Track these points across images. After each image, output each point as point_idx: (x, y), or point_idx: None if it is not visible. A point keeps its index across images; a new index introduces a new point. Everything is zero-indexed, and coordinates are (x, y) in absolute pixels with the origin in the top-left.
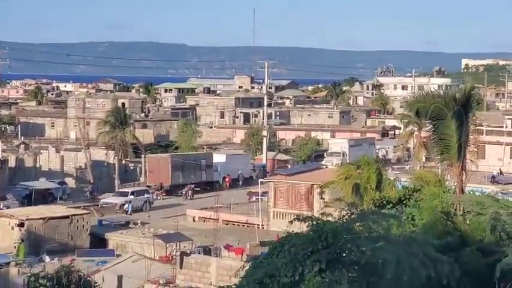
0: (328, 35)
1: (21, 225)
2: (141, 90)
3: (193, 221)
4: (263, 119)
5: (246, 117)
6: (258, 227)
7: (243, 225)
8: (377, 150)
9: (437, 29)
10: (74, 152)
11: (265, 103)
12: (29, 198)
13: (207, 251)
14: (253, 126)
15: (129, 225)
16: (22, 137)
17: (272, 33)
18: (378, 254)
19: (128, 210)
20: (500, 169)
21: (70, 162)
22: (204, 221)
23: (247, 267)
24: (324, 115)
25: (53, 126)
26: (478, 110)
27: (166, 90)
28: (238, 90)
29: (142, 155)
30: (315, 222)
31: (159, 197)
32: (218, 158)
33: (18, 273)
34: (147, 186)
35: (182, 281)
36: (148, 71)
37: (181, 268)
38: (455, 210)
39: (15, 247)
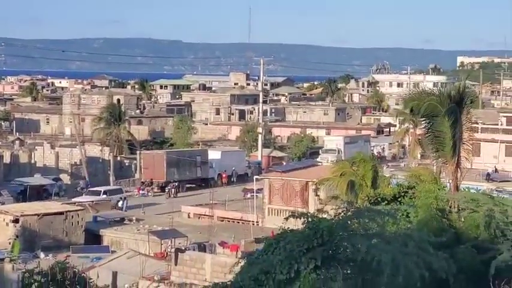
0: (324, 32)
1: (15, 221)
2: (136, 86)
3: (188, 217)
4: (258, 115)
5: (242, 114)
6: (253, 224)
7: (238, 222)
8: (372, 148)
9: (433, 26)
10: (69, 148)
11: (261, 100)
12: (24, 194)
13: (201, 247)
14: (249, 123)
15: (124, 222)
16: (17, 133)
17: (268, 30)
18: (374, 251)
19: (122, 207)
20: (495, 167)
21: (65, 158)
22: (199, 217)
23: (242, 263)
24: (319, 112)
25: (48, 122)
26: (473, 108)
27: (161, 87)
28: (234, 87)
29: (138, 152)
30: (310, 220)
31: (149, 193)
32: (213, 154)
33: (13, 269)
34: (142, 182)
35: (177, 277)
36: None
37: (176, 264)
38: (450, 207)
39: (10, 243)
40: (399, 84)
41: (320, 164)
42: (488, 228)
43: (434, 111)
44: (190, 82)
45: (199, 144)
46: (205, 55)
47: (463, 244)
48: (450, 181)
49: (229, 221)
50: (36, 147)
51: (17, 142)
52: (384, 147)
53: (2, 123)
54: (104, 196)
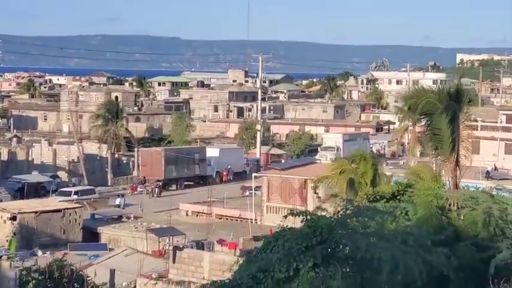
0: (323, 29)
1: (13, 218)
2: (134, 83)
3: (187, 215)
4: (257, 113)
5: (240, 111)
6: (252, 222)
7: (236, 220)
8: (371, 145)
9: (432, 24)
10: (67, 146)
11: (259, 97)
12: (22, 192)
13: (200, 245)
14: (247, 120)
15: (122, 219)
16: (14, 130)
17: (266, 27)
18: (373, 249)
19: (120, 205)
20: (494, 164)
21: (63, 155)
22: (197, 215)
23: (241, 261)
24: (318, 109)
25: (45, 119)
26: (472, 106)
27: (159, 84)
28: (232, 84)
29: (135, 149)
30: (309, 217)
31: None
32: (212, 152)
33: (10, 266)
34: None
35: (175, 275)
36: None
37: (174, 262)
38: (450, 205)
39: (7, 240)
40: (398, 82)
41: (319, 161)
42: (487, 226)
43: (432, 109)
44: (188, 79)
45: (197, 142)
46: (204, 52)
47: (463, 242)
48: (449, 179)
49: (227, 219)
50: (33, 145)
51: (15, 139)
52: (384, 145)
53: (0, 120)
54: (75, 197)
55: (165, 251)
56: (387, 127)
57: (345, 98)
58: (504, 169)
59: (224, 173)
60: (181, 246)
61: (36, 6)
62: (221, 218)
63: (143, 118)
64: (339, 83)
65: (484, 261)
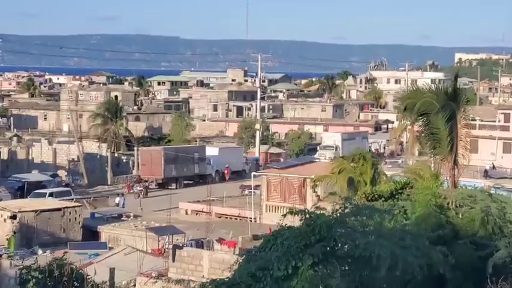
0: (322, 28)
1: (13, 217)
2: (134, 83)
3: (186, 214)
4: (256, 112)
5: (239, 111)
6: (251, 221)
7: (236, 219)
8: (370, 144)
9: (430, 23)
10: (67, 145)
11: (259, 96)
12: (22, 191)
13: (199, 244)
14: (246, 119)
15: (122, 218)
16: (15, 129)
17: (265, 26)
18: (372, 247)
19: (119, 204)
20: (493, 163)
21: (62, 154)
22: (197, 214)
23: (241, 260)
24: (317, 109)
25: (45, 118)
26: (470, 105)
27: (159, 83)
28: (232, 84)
29: (135, 148)
30: (308, 216)
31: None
32: (211, 151)
33: (11, 265)
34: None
35: (174, 274)
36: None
37: (173, 261)
38: (448, 204)
39: (7, 239)
40: (397, 81)
41: (318, 160)
42: (485, 224)
43: (430, 108)
44: (188, 78)
45: (196, 141)
46: (203, 51)
47: (461, 240)
48: (448, 178)
49: (227, 218)
50: (33, 144)
51: (15, 138)
52: (381, 144)
53: (0, 120)
54: (50, 198)
55: (164, 250)
56: (386, 126)
57: (344, 97)
58: (502, 168)
59: (226, 171)
60: (180, 245)
61: (35, 5)
62: (220, 217)
63: (143, 117)
64: (337, 82)
65: (482, 259)
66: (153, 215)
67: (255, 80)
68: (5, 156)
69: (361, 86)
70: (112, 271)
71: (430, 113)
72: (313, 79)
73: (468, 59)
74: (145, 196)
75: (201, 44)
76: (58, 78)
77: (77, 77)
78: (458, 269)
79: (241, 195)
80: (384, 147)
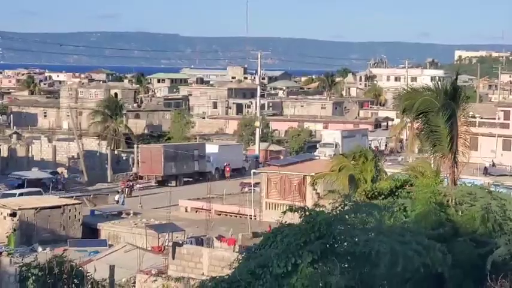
0: (322, 25)
1: (13, 215)
2: (133, 80)
3: (186, 211)
4: (256, 109)
5: (239, 108)
6: (251, 218)
7: (236, 216)
8: (370, 142)
9: (430, 20)
10: (66, 142)
11: (258, 94)
12: (21, 188)
13: (199, 241)
14: (246, 117)
15: (122, 216)
16: (14, 127)
17: (265, 23)
18: (371, 244)
19: (118, 201)
20: (492, 161)
21: (62, 152)
22: (197, 211)
23: (240, 258)
24: (317, 106)
25: (45, 116)
26: (470, 102)
27: (159, 81)
28: (231, 81)
29: (135, 145)
30: (307, 213)
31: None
32: (211, 148)
33: (10, 262)
34: (140, 176)
35: (174, 271)
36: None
37: (173, 258)
38: (448, 201)
39: (7, 237)
40: (397, 78)
41: (318, 158)
42: (485, 222)
43: (429, 107)
44: (187, 76)
45: (196, 138)
46: (203, 49)
47: (461, 237)
48: (448, 175)
49: (226, 215)
50: (33, 141)
51: (15, 136)
52: (381, 142)
53: (0, 117)
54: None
55: (164, 247)
56: (385, 124)
57: (344, 94)
58: (502, 165)
59: (227, 169)
60: (180, 242)
61: (35, 3)
62: (220, 214)
63: (142, 115)
64: (337, 79)
65: (482, 256)
66: (153, 213)
67: (254, 78)
68: (4, 153)
69: (360, 84)
70: (112, 268)
71: (429, 112)
72: (313, 76)
73: (468, 57)
74: (129, 195)
75: (201, 42)
76: (58, 76)
77: (77, 74)
78: (458, 267)
79: (241, 193)
80: (386, 145)
